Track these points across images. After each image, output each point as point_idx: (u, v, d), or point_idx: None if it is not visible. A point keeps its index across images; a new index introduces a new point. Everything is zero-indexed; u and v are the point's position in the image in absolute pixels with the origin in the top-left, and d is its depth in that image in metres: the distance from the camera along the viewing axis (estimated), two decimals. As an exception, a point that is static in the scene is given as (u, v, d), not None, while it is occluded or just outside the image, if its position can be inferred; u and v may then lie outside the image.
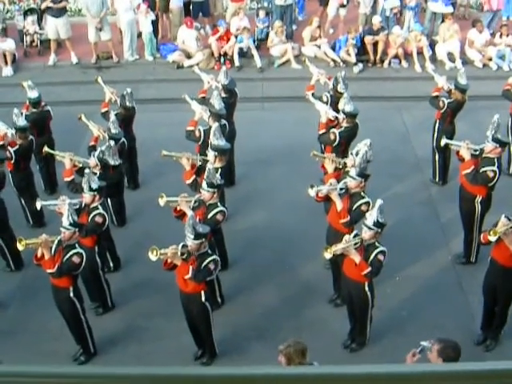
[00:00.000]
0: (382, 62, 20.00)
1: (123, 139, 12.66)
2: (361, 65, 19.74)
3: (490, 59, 19.78)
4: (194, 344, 10.38)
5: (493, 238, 9.65)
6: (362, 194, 10.78)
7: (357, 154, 11.24)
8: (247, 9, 21.86)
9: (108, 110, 13.44)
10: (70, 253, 9.64)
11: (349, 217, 10.66)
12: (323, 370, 3.04)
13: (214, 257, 9.71)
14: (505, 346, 10.58)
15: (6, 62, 19.72)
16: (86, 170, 11.05)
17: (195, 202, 10.81)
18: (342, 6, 20.89)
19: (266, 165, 14.97)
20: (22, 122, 12.62)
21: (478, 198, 11.58)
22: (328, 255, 9.78)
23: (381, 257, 9.71)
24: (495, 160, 11.42)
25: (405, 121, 16.92)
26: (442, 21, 20.37)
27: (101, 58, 20.40)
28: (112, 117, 12.77)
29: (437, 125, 13.82)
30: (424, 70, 18.90)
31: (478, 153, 11.69)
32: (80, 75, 19.82)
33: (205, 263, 9.58)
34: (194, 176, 11.50)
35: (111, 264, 12.10)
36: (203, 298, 9.75)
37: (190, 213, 10.32)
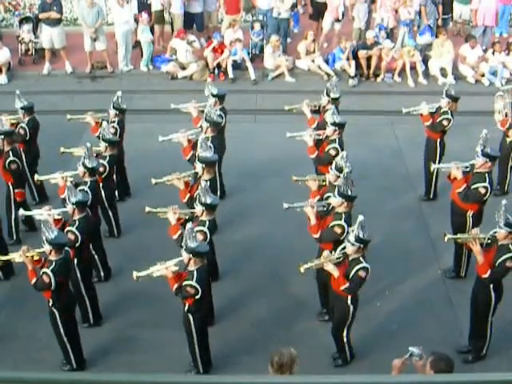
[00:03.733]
0: (376, 76, 20.12)
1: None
2: (356, 79, 19.85)
3: (483, 75, 19.92)
4: (184, 355, 10.39)
5: (445, 239, 10.56)
6: (343, 215, 10.58)
7: (336, 168, 11.23)
8: (242, 21, 21.94)
9: (100, 131, 13.19)
10: (42, 270, 9.66)
11: (319, 233, 10.72)
12: (311, 379, 3.09)
13: (189, 282, 9.49)
14: (491, 361, 10.63)
15: (1, 70, 19.77)
16: (68, 184, 11.09)
17: (190, 216, 10.91)
18: (337, 20, 21.00)
19: (257, 177, 15.02)
20: (7, 127, 12.75)
21: (470, 213, 11.65)
22: (302, 269, 9.95)
23: (362, 273, 9.63)
24: (486, 175, 11.42)
25: (397, 135, 17.01)
26: (436, 36, 20.49)
27: (95, 67, 20.48)
28: (105, 124, 12.84)
29: (438, 144, 13.82)
30: (416, 86, 19.04)
31: (468, 169, 11.75)
32: (74, 84, 19.91)
33: (184, 283, 9.50)
34: (188, 194, 11.53)
35: (102, 274, 12.11)
36: (186, 309, 9.75)
37: (174, 222, 10.54)
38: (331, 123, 12.61)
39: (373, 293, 11.66)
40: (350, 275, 9.67)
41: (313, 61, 20.24)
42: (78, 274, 10.83)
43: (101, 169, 12.17)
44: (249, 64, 20.21)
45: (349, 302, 9.90)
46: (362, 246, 9.62)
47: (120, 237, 13.29)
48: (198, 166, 11.64)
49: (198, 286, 9.46)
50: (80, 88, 19.66)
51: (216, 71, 20.15)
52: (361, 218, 9.68)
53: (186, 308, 9.74)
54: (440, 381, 2.94)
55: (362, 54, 19.94)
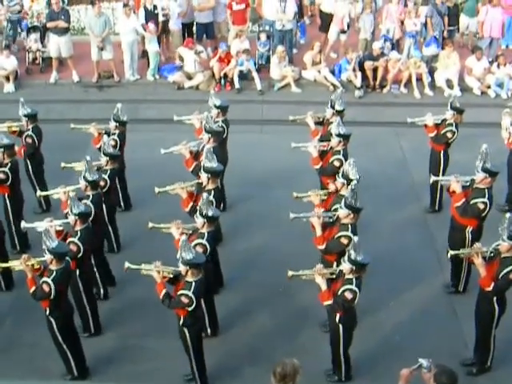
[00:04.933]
0: (382, 87, 20.14)
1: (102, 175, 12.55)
2: (362, 90, 19.87)
3: (489, 87, 19.91)
4: (187, 364, 10.39)
5: (448, 255, 10.70)
6: (350, 226, 10.57)
7: (343, 176, 11.27)
8: (249, 32, 21.99)
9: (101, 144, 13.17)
10: (42, 279, 9.70)
11: (325, 244, 10.72)
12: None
13: (186, 292, 9.47)
14: (496, 373, 10.61)
15: (8, 79, 19.84)
16: (71, 194, 11.15)
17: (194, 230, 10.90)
18: (343, 31, 21.04)
19: (263, 187, 15.03)
20: (6, 140, 12.69)
21: (469, 229, 11.59)
22: (290, 274, 10.06)
23: (348, 295, 9.49)
24: (485, 191, 11.36)
25: (402, 146, 17.03)
26: (442, 48, 20.52)
27: (102, 76, 20.51)
28: (106, 138, 12.90)
29: (441, 155, 13.85)
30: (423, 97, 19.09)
31: (468, 184, 11.73)
32: (81, 94, 19.97)
33: (180, 292, 9.53)
34: (191, 204, 11.53)
35: (101, 291, 12.04)
36: (181, 322, 9.76)
37: (178, 236, 10.52)
38: (336, 134, 12.60)
39: (376, 304, 11.67)
40: (338, 293, 9.63)
41: (319, 71, 20.27)
42: (80, 285, 10.84)
43: (101, 183, 12.16)
44: (255, 74, 20.24)
45: (337, 319, 9.82)
46: (354, 267, 9.51)
47: (120, 251, 13.21)
48: (203, 176, 11.63)
49: (193, 297, 9.44)
50: (86, 97, 19.70)
51: (222, 81, 20.18)
52: (355, 239, 9.65)
53: (182, 321, 9.74)
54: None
55: (368, 65, 19.95)
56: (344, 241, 10.50)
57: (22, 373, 10.35)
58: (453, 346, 10.99)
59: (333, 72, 20.32)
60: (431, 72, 20.29)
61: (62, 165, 12.90)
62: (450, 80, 20.03)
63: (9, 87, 19.80)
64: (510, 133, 14.06)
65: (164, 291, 9.63)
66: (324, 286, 9.80)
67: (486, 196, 11.35)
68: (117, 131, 13.59)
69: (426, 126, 13.99)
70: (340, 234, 10.58)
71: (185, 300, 9.46)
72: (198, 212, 10.57)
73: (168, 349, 10.77)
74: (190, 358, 10.09)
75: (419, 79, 20.08)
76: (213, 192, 11.35)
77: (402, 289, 12.25)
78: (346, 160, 12.33)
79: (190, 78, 20.20)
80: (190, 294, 9.43)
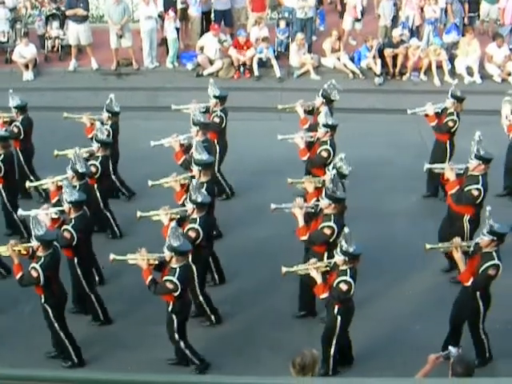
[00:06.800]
0: (402, 74, 20.04)
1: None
2: (382, 77, 19.77)
3: (509, 74, 19.74)
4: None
5: (426, 249, 10.48)
6: (332, 217, 10.48)
7: (333, 169, 11.16)
8: (268, 19, 21.94)
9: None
10: (30, 266, 9.79)
11: (308, 235, 10.66)
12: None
13: (170, 278, 9.61)
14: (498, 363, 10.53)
15: (28, 67, 19.89)
16: (64, 182, 11.14)
17: (183, 215, 10.94)
18: (357, 20, 20.95)
19: (281, 174, 14.94)
20: (1, 132, 12.80)
21: (467, 217, 11.54)
22: (283, 270, 10.07)
23: (343, 286, 9.49)
24: (480, 178, 11.36)
25: (422, 134, 16.90)
26: (463, 35, 20.38)
27: (121, 64, 20.55)
28: (99, 125, 12.89)
29: (447, 145, 13.77)
30: (443, 84, 18.95)
31: (463, 171, 11.71)
32: (100, 81, 20.00)
33: (165, 278, 9.66)
34: (184, 195, 11.39)
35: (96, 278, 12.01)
36: (169, 308, 9.88)
37: (166, 222, 10.56)
38: (323, 125, 12.55)
39: (394, 293, 11.62)
40: (334, 286, 9.60)
41: (338, 59, 20.20)
42: (80, 273, 10.89)
43: (93, 169, 12.25)
44: (274, 62, 20.21)
45: (335, 311, 9.78)
46: (347, 258, 9.49)
47: (123, 237, 13.22)
48: (195, 169, 11.59)
49: (178, 283, 9.59)
50: (105, 85, 19.69)
51: (241, 69, 20.15)
52: (346, 230, 9.62)
53: (171, 307, 9.86)
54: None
55: (387, 52, 19.85)
56: (327, 231, 10.44)
57: (40, 360, 10.38)
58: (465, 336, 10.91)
59: (352, 59, 20.25)
60: (451, 59, 20.16)
61: (55, 153, 12.94)
62: (471, 67, 19.91)
63: (28, 75, 19.86)
64: (510, 120, 13.97)
65: (150, 277, 9.80)
66: (319, 280, 9.79)
67: (480, 183, 11.34)
68: (109, 122, 13.58)
69: (426, 115, 13.90)
70: (323, 224, 10.51)
71: (169, 286, 9.62)
72: (187, 198, 10.67)
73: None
74: (179, 345, 10.16)
75: (439, 66, 19.97)
76: (206, 185, 11.29)
77: (420, 277, 12.18)
78: (333, 150, 12.31)
79: (212, 63, 20.19)
80: (175, 279, 9.59)
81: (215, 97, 13.80)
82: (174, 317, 9.92)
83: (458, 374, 7.39)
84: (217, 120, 13.71)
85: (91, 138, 13.10)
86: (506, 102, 14.32)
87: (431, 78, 19.75)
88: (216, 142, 13.70)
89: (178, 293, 9.65)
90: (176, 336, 10.09)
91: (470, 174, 11.46)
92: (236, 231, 13.31)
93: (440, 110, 13.81)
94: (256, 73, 20.04)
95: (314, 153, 12.65)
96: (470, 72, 19.85)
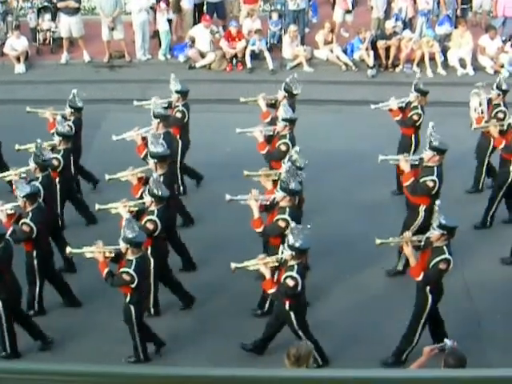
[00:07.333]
0: (394, 66, 20.04)
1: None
2: (374, 69, 19.76)
3: (502, 66, 19.77)
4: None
5: (376, 243, 10.30)
6: (287, 209, 10.48)
7: (289, 161, 11.05)
8: (260, 11, 21.90)
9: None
10: None
11: (262, 227, 10.67)
12: (327, 373, 3.09)
13: (127, 270, 9.69)
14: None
15: (19, 60, 19.80)
16: (15, 178, 11.27)
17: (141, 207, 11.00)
18: (348, 11, 20.94)
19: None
20: None
21: (422, 207, 11.54)
22: (233, 267, 10.01)
23: (290, 282, 9.44)
24: (434, 169, 11.40)
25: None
26: (455, 27, 20.38)
27: (113, 57, 20.49)
28: (60, 118, 12.85)
29: (413, 139, 13.71)
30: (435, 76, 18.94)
31: (418, 163, 11.73)
32: (92, 74, 19.91)
33: (121, 270, 9.74)
34: (141, 189, 11.37)
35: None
36: (127, 300, 9.93)
37: (126, 215, 10.50)
38: (282, 119, 12.55)
39: (391, 285, 11.61)
40: (281, 281, 9.57)
41: (331, 51, 20.19)
42: (35, 264, 10.92)
43: (55, 162, 12.27)
44: (267, 54, 20.17)
45: (287, 307, 9.72)
46: (294, 253, 9.45)
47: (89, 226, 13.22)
48: (150, 162, 11.62)
49: (134, 274, 9.67)
50: (98, 77, 19.64)
51: (234, 61, 20.12)
52: (292, 224, 9.62)
53: (128, 299, 9.90)
54: (428, 376, 2.92)
55: (380, 44, 19.84)
56: (281, 224, 10.42)
57: (92, 357, 10.27)
58: (466, 326, 10.91)
59: (345, 51, 20.24)
60: (444, 51, 20.16)
61: (16, 147, 12.90)
62: (463, 59, 19.92)
63: (19, 68, 19.77)
64: (478, 113, 13.96)
65: (106, 270, 9.88)
66: (268, 275, 9.75)
67: (435, 174, 11.38)
68: (72, 117, 13.47)
69: (390, 110, 13.84)
70: (278, 217, 10.53)
71: (126, 277, 9.71)
72: (145, 191, 10.72)
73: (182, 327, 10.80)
74: (134, 335, 10.14)
75: (432, 58, 19.96)
76: (162, 177, 11.23)
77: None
78: (292, 144, 12.27)
79: (203, 56, 20.14)
80: (131, 271, 9.67)
81: (177, 92, 13.82)
82: (132, 308, 9.96)
83: (451, 366, 7.40)
84: (179, 115, 13.69)
85: (53, 134, 12.98)
86: (474, 95, 14.18)
87: (424, 69, 19.73)
88: (179, 137, 13.68)
89: (134, 284, 9.73)
90: (135, 329, 10.10)
91: (425, 165, 11.51)
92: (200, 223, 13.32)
93: (404, 105, 13.78)
94: (249, 65, 20.01)
95: (274, 146, 12.63)
96: (462, 64, 19.85)
